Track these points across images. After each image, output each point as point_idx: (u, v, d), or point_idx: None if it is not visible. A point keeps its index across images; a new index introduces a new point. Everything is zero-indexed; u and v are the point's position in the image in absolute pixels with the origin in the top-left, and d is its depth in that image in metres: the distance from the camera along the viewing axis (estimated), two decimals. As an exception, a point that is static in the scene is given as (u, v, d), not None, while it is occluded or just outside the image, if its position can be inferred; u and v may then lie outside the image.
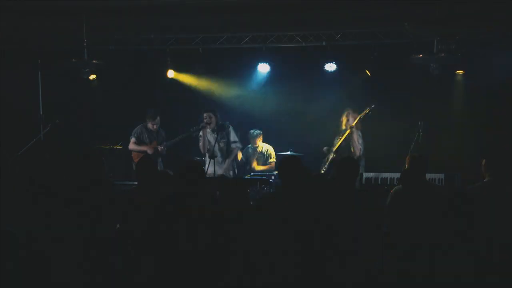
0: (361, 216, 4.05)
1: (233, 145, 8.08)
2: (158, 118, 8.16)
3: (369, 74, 8.52)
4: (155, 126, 8.15)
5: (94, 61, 8.29)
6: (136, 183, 5.39)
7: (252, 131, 8.74)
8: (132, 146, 8.19)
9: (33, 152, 7.62)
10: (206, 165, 7.67)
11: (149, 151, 8.05)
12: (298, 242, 3.78)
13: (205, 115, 7.95)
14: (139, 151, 8.07)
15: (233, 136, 8.09)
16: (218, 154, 7.91)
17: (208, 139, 7.98)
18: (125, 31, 8.55)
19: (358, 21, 8.01)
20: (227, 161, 8.03)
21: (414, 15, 7.61)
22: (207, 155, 8.00)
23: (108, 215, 4.47)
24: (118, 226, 4.66)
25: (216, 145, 7.80)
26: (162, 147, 8.15)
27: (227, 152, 8.05)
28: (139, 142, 8.16)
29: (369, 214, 4.20)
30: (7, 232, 3.80)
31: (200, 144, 8.04)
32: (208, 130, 7.98)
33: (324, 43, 8.34)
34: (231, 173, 8.13)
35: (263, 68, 8.74)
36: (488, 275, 3.41)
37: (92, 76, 8.62)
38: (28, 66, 8.83)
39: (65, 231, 4.00)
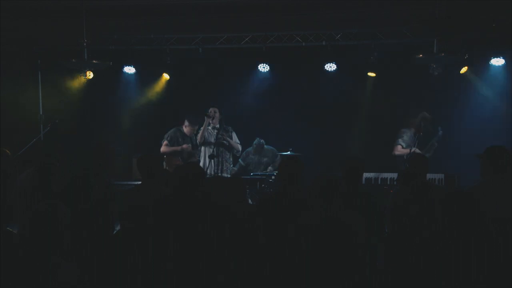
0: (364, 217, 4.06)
1: (239, 146, 8.11)
2: (196, 127, 8.12)
3: (373, 75, 8.53)
4: (190, 130, 8.10)
5: (94, 61, 8.29)
6: (135, 183, 5.42)
7: (258, 141, 8.72)
8: (164, 148, 8.09)
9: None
10: (201, 161, 7.83)
11: (184, 148, 8.03)
12: (301, 243, 3.77)
13: (210, 109, 7.95)
14: (172, 152, 8.03)
15: (235, 138, 8.09)
16: (215, 153, 7.88)
17: (206, 133, 7.96)
18: (125, 31, 8.56)
19: (358, 21, 8.01)
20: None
21: (414, 15, 7.62)
22: (202, 149, 8.01)
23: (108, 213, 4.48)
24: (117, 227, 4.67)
25: (215, 146, 7.76)
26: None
27: (227, 154, 8.04)
28: (171, 145, 8.10)
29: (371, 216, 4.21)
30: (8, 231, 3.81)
31: (199, 134, 8.00)
32: (210, 126, 7.96)
33: (324, 43, 8.35)
34: (229, 171, 8.13)
35: (263, 68, 8.74)
36: (490, 273, 3.41)
37: (89, 74, 8.56)
38: (28, 66, 8.83)
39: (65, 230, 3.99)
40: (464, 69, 8.22)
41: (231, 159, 8.20)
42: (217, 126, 7.89)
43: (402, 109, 8.49)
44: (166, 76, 9.14)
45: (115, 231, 4.55)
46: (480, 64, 8.20)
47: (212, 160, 7.67)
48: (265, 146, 8.77)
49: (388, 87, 8.69)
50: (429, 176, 6.50)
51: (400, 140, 7.82)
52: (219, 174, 7.72)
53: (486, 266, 3.37)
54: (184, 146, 8.04)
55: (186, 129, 8.12)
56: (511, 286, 3.30)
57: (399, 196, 4.85)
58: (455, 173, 7.38)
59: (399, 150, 7.77)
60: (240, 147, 8.16)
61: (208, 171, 7.56)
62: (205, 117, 7.87)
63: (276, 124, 9.06)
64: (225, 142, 7.87)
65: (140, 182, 5.13)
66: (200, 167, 5.61)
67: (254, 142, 8.63)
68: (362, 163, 4.82)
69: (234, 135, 8.08)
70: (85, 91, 9.05)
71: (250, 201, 7.20)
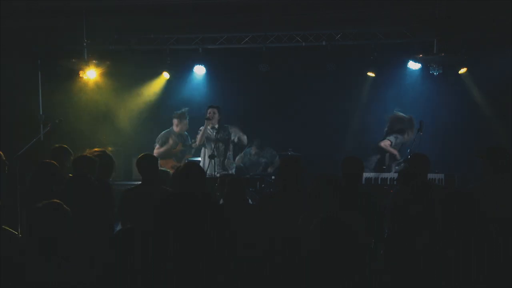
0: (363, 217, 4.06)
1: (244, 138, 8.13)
2: (187, 119, 8.19)
3: (373, 75, 8.54)
4: (183, 127, 8.20)
5: (94, 61, 8.29)
6: (135, 183, 5.42)
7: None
8: (156, 152, 8.22)
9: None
10: (201, 161, 7.83)
11: (177, 150, 8.18)
12: (300, 243, 3.77)
13: (209, 110, 7.95)
14: (165, 153, 8.19)
15: (235, 132, 8.08)
16: (216, 153, 7.87)
17: (206, 135, 7.96)
18: (125, 31, 8.56)
19: (358, 21, 8.01)
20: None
21: (414, 15, 7.62)
22: (202, 149, 8.01)
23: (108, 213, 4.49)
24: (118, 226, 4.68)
25: (215, 146, 7.75)
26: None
27: (225, 153, 8.04)
28: (162, 147, 8.24)
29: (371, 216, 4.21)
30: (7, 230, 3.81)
31: (198, 136, 8.00)
32: (209, 126, 7.95)
33: (324, 43, 8.34)
34: (233, 166, 8.14)
35: (263, 68, 8.74)
36: (490, 273, 3.41)
37: (92, 75, 8.56)
38: (28, 66, 8.83)
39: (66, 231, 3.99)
40: (463, 70, 8.22)
41: (232, 156, 8.18)
42: (216, 126, 7.90)
43: (402, 109, 8.48)
44: (165, 76, 9.14)
45: (115, 231, 4.54)
46: (479, 64, 8.20)
47: (212, 160, 7.66)
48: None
49: (388, 86, 8.69)
50: (429, 176, 6.50)
51: (392, 137, 7.85)
52: (223, 172, 7.72)
53: (486, 266, 3.37)
54: (177, 147, 8.14)
55: (177, 128, 8.20)
56: (511, 286, 3.30)
57: (399, 196, 4.85)
58: (455, 173, 7.38)
59: (386, 144, 7.80)
60: (245, 138, 8.10)
61: (208, 171, 7.56)
62: (205, 120, 7.87)
63: (276, 124, 9.05)
64: (221, 146, 7.89)
65: (140, 182, 5.14)
66: (200, 167, 5.60)
67: (255, 143, 8.68)
68: (362, 163, 4.82)
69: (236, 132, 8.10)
70: (85, 91, 9.04)
71: (250, 201, 7.21)
